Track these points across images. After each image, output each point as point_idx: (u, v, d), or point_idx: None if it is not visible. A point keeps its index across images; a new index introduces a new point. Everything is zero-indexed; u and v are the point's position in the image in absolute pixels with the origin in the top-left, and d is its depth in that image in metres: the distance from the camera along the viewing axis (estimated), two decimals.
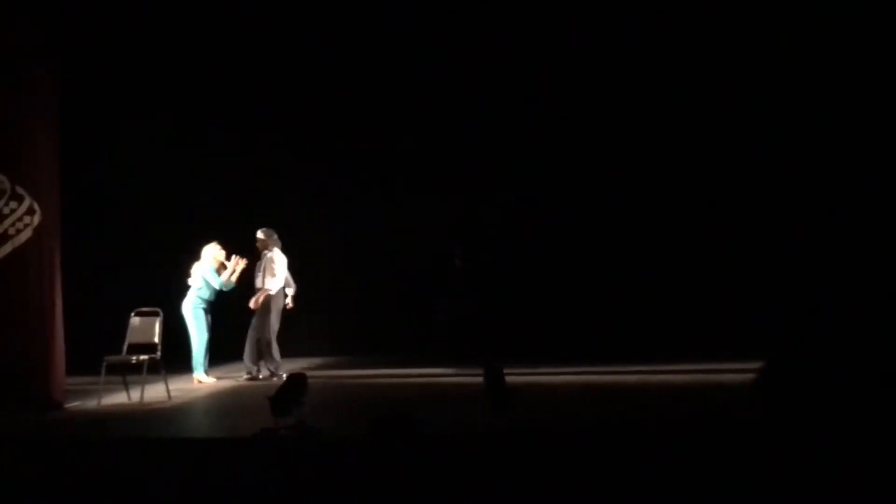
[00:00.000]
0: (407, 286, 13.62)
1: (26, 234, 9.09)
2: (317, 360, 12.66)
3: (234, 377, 11.39)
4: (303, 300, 11.73)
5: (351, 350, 13.36)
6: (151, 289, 11.05)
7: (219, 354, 11.56)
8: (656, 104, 13.04)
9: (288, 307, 11.46)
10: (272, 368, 11.16)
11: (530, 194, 13.59)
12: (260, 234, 11.36)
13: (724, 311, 12.42)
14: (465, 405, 8.55)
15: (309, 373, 8.16)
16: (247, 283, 11.35)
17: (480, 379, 7.83)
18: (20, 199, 9.09)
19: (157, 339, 9.78)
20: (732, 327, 12.05)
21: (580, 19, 12.86)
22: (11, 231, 9.07)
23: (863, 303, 11.41)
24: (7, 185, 9.07)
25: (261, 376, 11.18)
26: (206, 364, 11.10)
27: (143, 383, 9.52)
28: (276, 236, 11.36)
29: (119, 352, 9.72)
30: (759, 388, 6.56)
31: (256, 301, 11.19)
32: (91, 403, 9.45)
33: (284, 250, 11.36)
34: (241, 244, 11.52)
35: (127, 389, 9.66)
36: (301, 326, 12.33)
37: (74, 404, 9.44)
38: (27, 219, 9.10)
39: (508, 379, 7.80)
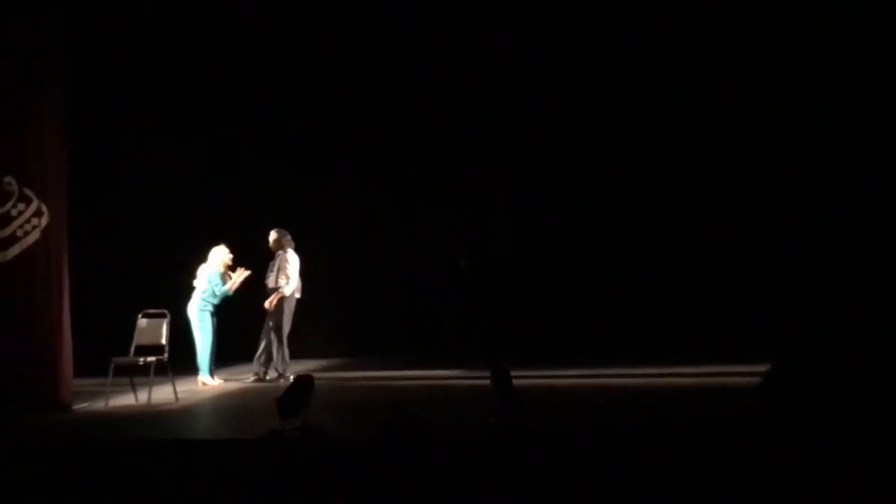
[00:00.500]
0: (414, 288, 13.62)
1: (34, 236, 9.11)
2: (324, 362, 12.66)
3: (241, 379, 11.40)
4: (311, 302, 11.73)
5: (358, 352, 13.35)
6: (159, 290, 11.05)
7: (226, 356, 11.57)
8: (661, 107, 13.01)
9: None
10: (280, 369, 11.16)
11: (537, 196, 13.58)
12: (273, 234, 11.36)
13: (732, 313, 12.39)
14: (472, 407, 8.54)
15: (316, 374, 8.13)
16: (254, 285, 11.35)
17: (488, 381, 7.81)
18: (28, 201, 9.10)
19: (164, 341, 9.79)
20: (740, 329, 12.01)
21: (581, 25, 12.92)
22: (19, 233, 9.09)
23: (867, 304, 11.38)
24: (15, 186, 9.09)
25: (268, 378, 11.18)
26: (213, 366, 11.11)
27: (150, 385, 9.54)
28: (289, 237, 11.35)
29: (126, 353, 9.74)
30: (765, 391, 6.54)
31: (271, 303, 11.19)
32: (99, 405, 9.47)
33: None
34: (249, 247, 11.53)
35: (134, 391, 9.67)
36: (308, 328, 12.32)
37: (82, 406, 9.46)
38: (35, 220, 9.11)
39: (516, 381, 7.78)
